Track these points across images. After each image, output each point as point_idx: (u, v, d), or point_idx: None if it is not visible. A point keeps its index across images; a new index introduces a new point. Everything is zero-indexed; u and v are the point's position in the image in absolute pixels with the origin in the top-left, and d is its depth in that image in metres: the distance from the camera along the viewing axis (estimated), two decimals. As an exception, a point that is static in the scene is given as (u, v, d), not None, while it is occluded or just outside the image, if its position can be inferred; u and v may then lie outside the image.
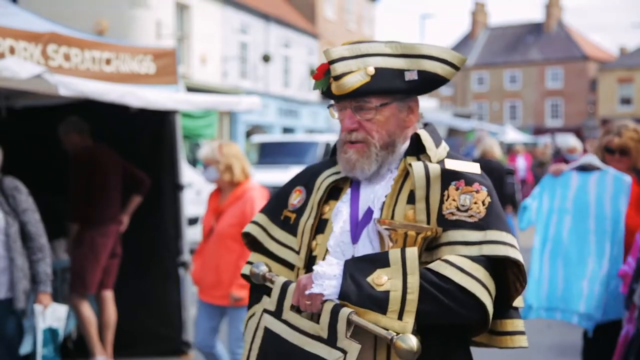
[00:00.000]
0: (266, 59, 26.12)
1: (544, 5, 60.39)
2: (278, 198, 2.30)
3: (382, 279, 1.83)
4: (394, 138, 2.06)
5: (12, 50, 4.60)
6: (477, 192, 1.92)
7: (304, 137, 20.77)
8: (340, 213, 2.11)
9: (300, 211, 2.20)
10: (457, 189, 1.93)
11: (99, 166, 5.77)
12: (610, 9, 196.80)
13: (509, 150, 23.49)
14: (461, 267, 1.83)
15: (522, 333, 1.98)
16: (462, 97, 58.63)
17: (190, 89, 11.44)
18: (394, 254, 1.86)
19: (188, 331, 6.32)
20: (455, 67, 2.06)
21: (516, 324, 1.98)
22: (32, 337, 4.39)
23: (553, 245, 4.38)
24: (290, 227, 2.21)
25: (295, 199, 2.24)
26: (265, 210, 2.30)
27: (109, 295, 5.95)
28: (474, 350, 2.10)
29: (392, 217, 1.98)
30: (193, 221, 11.65)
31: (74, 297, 5.74)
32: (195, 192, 11.98)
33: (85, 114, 5.94)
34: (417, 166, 1.98)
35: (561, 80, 57.72)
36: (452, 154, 2.08)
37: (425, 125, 2.14)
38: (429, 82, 2.05)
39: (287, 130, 30.34)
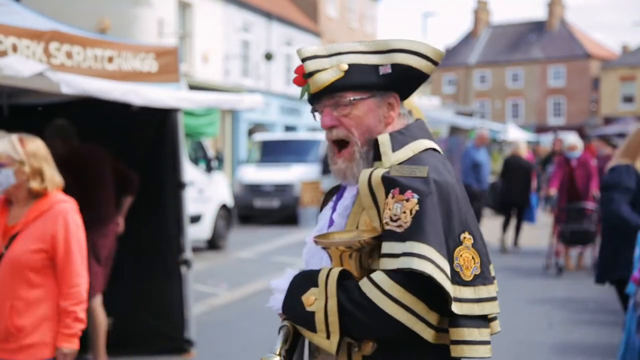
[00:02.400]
0: (268, 57, 26.11)
1: (547, 3, 60.32)
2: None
3: (311, 299, 1.90)
4: (374, 134, 2.05)
5: (14, 49, 4.60)
6: (407, 200, 1.88)
7: (306, 135, 20.78)
8: (322, 217, 2.18)
9: None
10: (392, 197, 1.91)
11: (90, 166, 5.74)
12: (612, 7, 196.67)
13: (511, 148, 23.50)
14: (379, 285, 1.84)
15: (467, 342, 1.89)
16: (464, 96, 58.56)
17: (193, 87, 11.45)
18: (322, 275, 1.92)
19: (190, 329, 6.33)
20: (431, 61, 2.05)
21: (461, 333, 1.89)
22: None
23: None
24: None
25: None
26: None
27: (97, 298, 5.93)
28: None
29: (358, 226, 1.99)
30: (195, 219, 11.66)
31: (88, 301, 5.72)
32: (197, 190, 11.98)
33: (87, 112, 5.94)
34: (363, 174, 1.98)
35: (563, 78, 57.66)
36: (420, 156, 2.01)
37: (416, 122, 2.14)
38: (405, 76, 2.05)
39: (289, 128, 30.34)
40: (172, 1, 22.14)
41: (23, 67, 4.26)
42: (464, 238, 1.95)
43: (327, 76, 2.02)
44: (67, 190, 5.74)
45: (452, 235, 1.92)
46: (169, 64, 5.93)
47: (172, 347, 6.30)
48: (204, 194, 12.40)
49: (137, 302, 6.28)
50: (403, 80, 2.07)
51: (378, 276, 1.86)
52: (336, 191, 2.21)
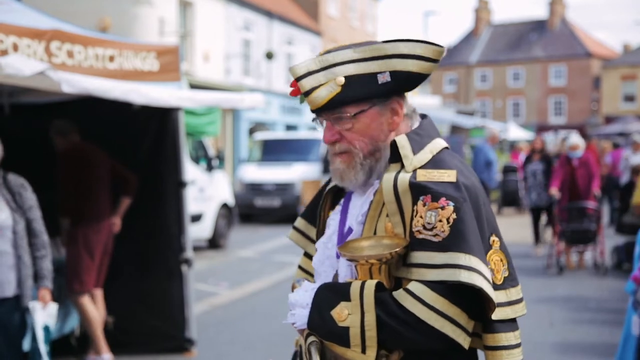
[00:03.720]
0: (269, 56, 26.10)
1: (548, 2, 60.26)
2: (314, 199, 2.30)
3: (344, 314, 1.84)
4: (378, 143, 1.99)
5: (15, 47, 4.60)
6: (443, 208, 1.82)
7: (307, 134, 20.76)
8: (331, 223, 2.11)
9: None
10: (424, 204, 1.84)
11: (87, 163, 5.79)
12: (614, 6, 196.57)
13: (512, 147, 23.47)
14: (421, 298, 1.79)
15: (504, 348, 1.90)
16: (465, 95, 58.52)
17: (193, 86, 11.44)
18: (355, 288, 1.85)
19: (191, 328, 6.33)
20: (432, 60, 1.95)
21: (498, 339, 1.88)
22: (31, 334, 4.40)
23: None
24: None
25: None
26: (303, 214, 2.31)
27: (98, 294, 5.95)
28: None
29: (375, 232, 1.94)
30: (196, 218, 11.66)
31: (75, 296, 5.74)
32: (198, 189, 11.99)
33: (88, 111, 5.95)
34: (386, 179, 1.92)
35: (564, 77, 57.61)
36: (439, 157, 1.96)
37: (423, 119, 2.08)
38: (405, 81, 1.97)
39: (290, 127, 30.34)
40: (173, 0, 22.14)
41: (24, 66, 4.26)
42: (493, 241, 1.92)
43: (324, 93, 1.94)
44: (63, 185, 5.78)
45: (484, 240, 1.89)
46: (170, 63, 5.93)
47: (173, 346, 6.30)
48: (205, 193, 12.40)
49: (138, 301, 6.29)
50: (403, 85, 1.98)
51: (417, 288, 1.80)
52: (340, 193, 2.16)
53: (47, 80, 4.55)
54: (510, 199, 17.44)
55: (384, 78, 1.94)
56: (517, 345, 1.92)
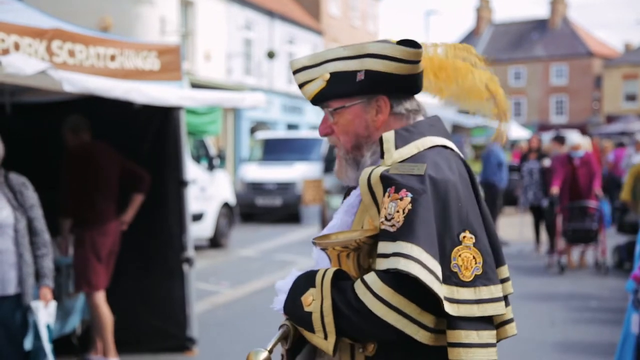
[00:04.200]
0: (271, 55, 26.11)
1: (549, 1, 60.21)
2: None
3: (309, 300, 1.90)
4: (360, 140, 2.07)
5: (16, 47, 4.60)
6: (401, 199, 1.85)
7: (308, 133, 20.78)
8: (334, 217, 2.17)
9: None
10: (388, 195, 1.89)
11: (94, 164, 5.77)
12: (615, 6, 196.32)
13: (513, 146, 23.46)
14: (370, 286, 1.82)
15: (464, 345, 1.85)
16: (466, 94, 58.39)
17: (195, 86, 11.43)
18: (319, 275, 1.91)
19: (192, 327, 6.33)
20: (404, 61, 2.00)
21: (457, 335, 1.85)
22: (32, 333, 4.41)
23: None
24: None
25: None
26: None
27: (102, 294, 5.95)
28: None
29: (363, 225, 1.99)
30: (197, 217, 11.66)
31: (89, 297, 5.75)
32: (199, 188, 11.99)
33: (90, 110, 5.95)
34: (363, 172, 1.97)
35: (566, 76, 57.56)
36: (424, 153, 1.96)
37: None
38: (379, 81, 2.02)
39: (291, 126, 30.34)
40: (174, -1, 22.15)
41: (25, 65, 4.26)
42: (464, 237, 1.90)
43: (313, 87, 2.06)
44: (68, 184, 5.78)
45: (450, 235, 1.88)
46: (171, 62, 5.93)
47: (174, 345, 6.30)
48: (206, 192, 12.41)
49: (139, 301, 6.29)
50: (381, 84, 2.03)
51: (370, 277, 1.84)
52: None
53: (48, 80, 4.55)
54: (512, 198, 17.44)
55: (360, 76, 2.02)
56: (483, 345, 1.87)
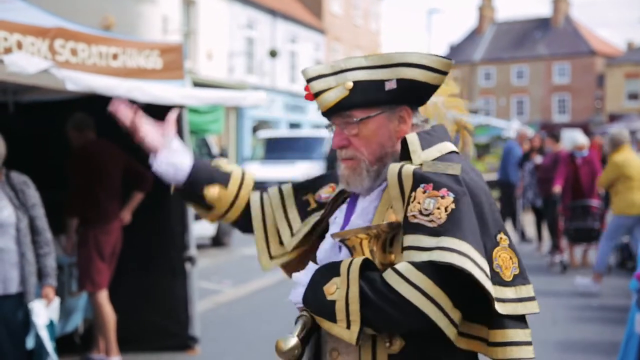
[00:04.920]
0: (273, 54, 26.11)
1: (552, 0, 60.17)
2: (315, 180, 2.36)
3: (332, 288, 1.86)
4: (386, 150, 2.04)
5: (19, 45, 4.60)
6: (443, 197, 1.86)
7: (311, 132, 20.78)
8: (335, 221, 2.14)
9: (322, 206, 2.27)
10: (424, 191, 1.88)
11: (98, 163, 5.76)
12: (618, 4, 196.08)
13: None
14: (406, 276, 1.80)
15: (515, 344, 1.90)
16: (469, 93, 58.47)
17: (197, 84, 11.43)
18: (344, 263, 1.88)
19: (194, 326, 6.33)
20: (439, 72, 2.02)
21: (507, 334, 1.89)
22: (34, 331, 4.41)
23: None
24: (304, 212, 2.30)
25: (326, 193, 2.30)
26: (296, 184, 2.38)
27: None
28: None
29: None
30: (199, 216, 11.66)
31: (93, 295, 5.76)
32: (201, 187, 11.97)
33: (92, 109, 5.95)
34: (392, 167, 1.96)
35: (568, 75, 57.52)
36: (448, 156, 2.00)
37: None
38: (411, 90, 2.02)
39: (293, 125, 30.34)
40: (176, -2, 22.15)
41: (28, 64, 4.27)
42: (500, 239, 1.93)
43: (332, 96, 2.00)
44: (73, 183, 5.78)
45: (489, 236, 1.91)
46: (173, 61, 5.93)
47: (176, 344, 6.30)
48: (209, 190, 12.40)
49: (142, 299, 6.29)
50: (410, 94, 2.03)
51: (403, 267, 1.82)
52: (340, 196, 2.19)
53: (51, 78, 4.55)
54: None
55: (390, 85, 2.00)
56: (529, 343, 1.92)
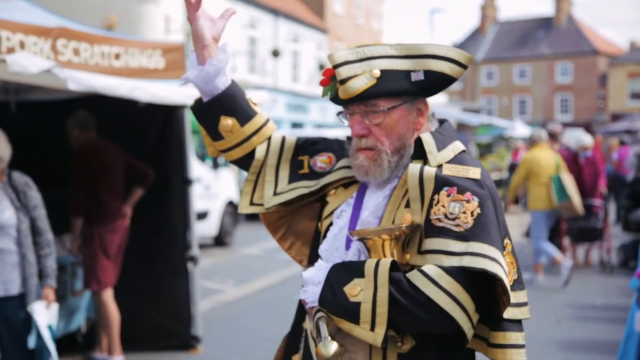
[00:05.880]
0: (275, 54, 26.11)
1: (554, -1, 60.14)
2: (315, 142, 2.31)
3: (356, 290, 1.84)
4: (404, 141, 2.03)
5: (22, 45, 4.60)
6: (468, 201, 1.86)
7: (313, 132, 20.75)
8: (342, 215, 2.11)
9: (314, 175, 2.23)
10: (448, 195, 1.88)
11: (101, 162, 5.77)
12: (620, 3, 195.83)
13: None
14: (435, 279, 1.80)
15: (514, 346, 1.93)
16: (471, 92, 58.44)
17: (199, 84, 11.43)
18: (370, 265, 1.86)
19: (197, 326, 6.33)
20: (463, 66, 2.02)
21: (508, 337, 1.92)
22: (36, 332, 4.41)
23: None
24: (295, 174, 2.25)
25: (322, 162, 2.25)
26: (300, 139, 2.33)
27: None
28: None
29: (393, 223, 1.96)
30: (202, 216, 11.67)
31: (98, 294, 5.76)
32: (204, 186, 11.99)
33: (94, 109, 5.96)
34: (412, 167, 1.95)
35: (571, 75, 57.46)
36: (461, 156, 2.01)
37: (442, 123, 2.11)
38: (436, 82, 2.01)
39: (295, 125, 30.33)
40: (178, -2, 22.16)
41: (30, 63, 4.26)
42: (507, 244, 1.95)
43: (359, 83, 1.97)
44: (76, 183, 5.78)
45: (501, 240, 1.92)
46: (175, 60, 5.93)
47: (178, 344, 6.31)
48: (211, 190, 12.41)
49: (144, 299, 6.29)
50: (434, 86, 2.03)
51: (432, 270, 1.81)
52: (347, 186, 2.16)
53: (53, 78, 4.55)
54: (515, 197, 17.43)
55: (417, 76, 1.99)
56: (524, 347, 1.96)
